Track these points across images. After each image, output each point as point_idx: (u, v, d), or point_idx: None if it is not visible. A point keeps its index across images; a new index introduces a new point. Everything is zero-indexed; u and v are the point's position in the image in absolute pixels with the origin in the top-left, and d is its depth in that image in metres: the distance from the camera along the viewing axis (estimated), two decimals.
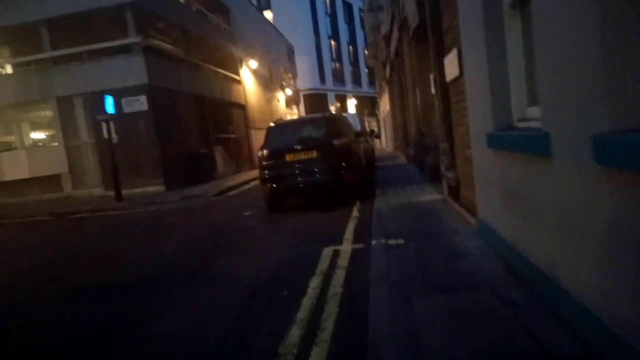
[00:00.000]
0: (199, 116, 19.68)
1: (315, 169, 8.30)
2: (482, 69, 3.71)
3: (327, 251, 5.25)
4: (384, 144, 34.98)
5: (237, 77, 25.74)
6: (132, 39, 15.60)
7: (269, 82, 32.60)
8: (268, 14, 44.90)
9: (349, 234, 6.05)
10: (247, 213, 9.37)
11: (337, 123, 9.02)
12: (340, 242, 5.61)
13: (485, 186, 4.15)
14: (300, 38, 48.18)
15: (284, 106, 37.08)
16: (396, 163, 16.38)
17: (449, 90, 5.61)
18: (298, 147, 8.31)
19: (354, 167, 8.59)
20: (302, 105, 46.21)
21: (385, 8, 17.10)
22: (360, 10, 54.64)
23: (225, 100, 23.53)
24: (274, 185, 8.43)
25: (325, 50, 55.53)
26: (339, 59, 59.27)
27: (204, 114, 20.16)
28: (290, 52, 42.85)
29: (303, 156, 8.31)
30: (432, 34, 6.19)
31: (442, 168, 6.74)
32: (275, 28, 38.53)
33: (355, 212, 7.64)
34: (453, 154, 6.40)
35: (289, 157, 8.35)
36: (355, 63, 62.94)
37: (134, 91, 15.48)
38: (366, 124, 38.08)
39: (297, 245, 5.91)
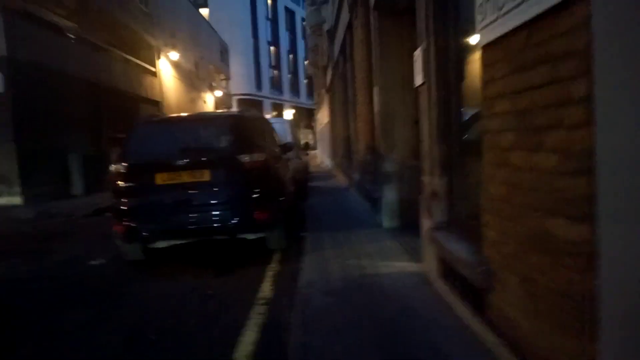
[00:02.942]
0: (93, 109, 15.53)
1: (207, 201, 4.93)
2: None
3: None
4: (319, 159, 32.15)
5: (153, 69, 21.73)
6: None
7: (194, 80, 28.75)
8: (204, 11, 40.89)
9: None
10: (94, 262, 5.75)
11: (252, 128, 5.69)
12: None
13: None
14: (237, 39, 44.89)
15: (212, 108, 33.18)
16: (335, 185, 13.32)
17: (484, 65, 2.49)
18: (180, 161, 4.90)
19: (274, 199, 5.32)
20: (233, 110, 42.42)
21: None
22: (303, 19, 52.17)
23: (133, 93, 19.48)
24: (133, 224, 4.93)
25: (264, 56, 52.69)
26: (277, 66, 56.59)
27: (99, 106, 16.00)
28: (224, 51, 39.21)
29: (187, 178, 4.90)
30: None
31: (428, 224, 3.66)
32: (208, 23, 34.75)
33: (266, 288, 4.29)
34: (450, 199, 3.34)
35: (162, 179, 4.89)
36: (294, 72, 60.58)
37: None
38: (301, 135, 34.98)
39: None
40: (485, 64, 2.32)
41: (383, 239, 5.32)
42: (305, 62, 48.97)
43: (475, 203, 3.02)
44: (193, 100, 28.42)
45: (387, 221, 5.94)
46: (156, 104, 21.84)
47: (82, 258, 6.00)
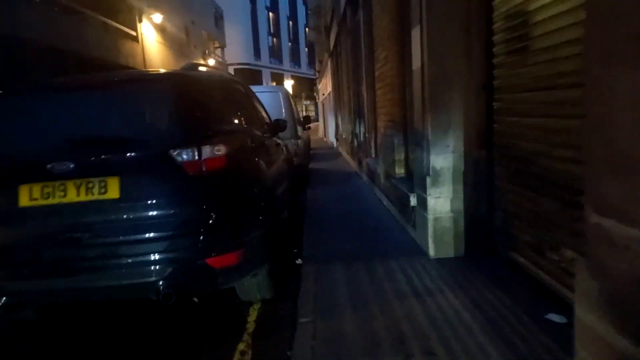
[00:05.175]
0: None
1: (116, 237, 2.66)
2: None
3: None
4: (321, 132, 29.71)
5: (133, 33, 19.16)
6: None
7: (184, 48, 26.08)
8: None
9: None
10: None
11: (204, 99, 3.30)
12: None
13: None
14: (233, 4, 41.78)
15: None
16: (340, 168, 11.03)
17: None
18: (63, 165, 2.60)
19: (248, 222, 3.04)
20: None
21: None
22: None
23: (110, 61, 16.92)
24: None
25: (262, 23, 49.70)
26: (277, 33, 53.53)
27: (66, 76, 13.55)
28: (219, 17, 36.30)
29: (77, 194, 2.62)
30: None
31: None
32: None
33: None
34: None
35: (30, 196, 2.63)
36: (294, 40, 57.40)
37: None
38: (302, 107, 32.23)
39: None
40: None
41: (440, 291, 3.03)
42: (306, 30, 45.87)
43: None
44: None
45: (435, 246, 3.65)
46: None
47: None
